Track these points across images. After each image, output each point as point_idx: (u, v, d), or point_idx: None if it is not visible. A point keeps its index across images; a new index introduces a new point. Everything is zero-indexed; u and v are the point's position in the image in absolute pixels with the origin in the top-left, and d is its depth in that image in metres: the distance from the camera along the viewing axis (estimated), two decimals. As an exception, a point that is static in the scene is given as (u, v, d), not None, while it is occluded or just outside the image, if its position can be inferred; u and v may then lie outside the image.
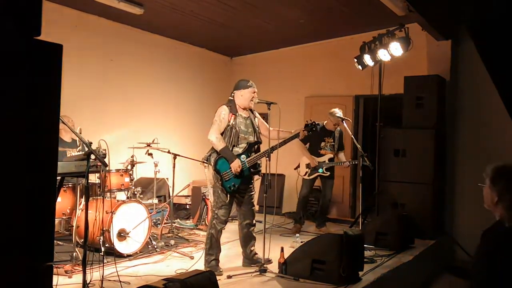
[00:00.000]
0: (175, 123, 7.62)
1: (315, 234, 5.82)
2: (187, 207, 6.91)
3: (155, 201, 5.51)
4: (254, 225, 4.44)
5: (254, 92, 4.27)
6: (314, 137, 5.48)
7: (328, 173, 6.03)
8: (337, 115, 5.93)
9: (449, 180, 6.42)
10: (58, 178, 3.50)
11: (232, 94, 4.32)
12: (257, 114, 4.48)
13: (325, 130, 5.96)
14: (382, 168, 6.03)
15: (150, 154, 5.37)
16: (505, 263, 1.99)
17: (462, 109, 6.46)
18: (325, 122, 6.02)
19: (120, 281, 3.57)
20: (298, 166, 6.19)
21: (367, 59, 5.80)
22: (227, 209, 4.24)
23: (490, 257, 2.04)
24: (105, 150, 3.60)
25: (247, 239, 4.41)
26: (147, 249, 4.77)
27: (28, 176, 1.52)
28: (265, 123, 4.53)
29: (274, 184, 6.89)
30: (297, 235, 5.34)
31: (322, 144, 6.06)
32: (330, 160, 6.06)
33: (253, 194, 4.42)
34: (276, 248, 4.28)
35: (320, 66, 7.79)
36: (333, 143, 6.11)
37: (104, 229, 4.29)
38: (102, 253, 3.94)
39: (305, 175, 6.09)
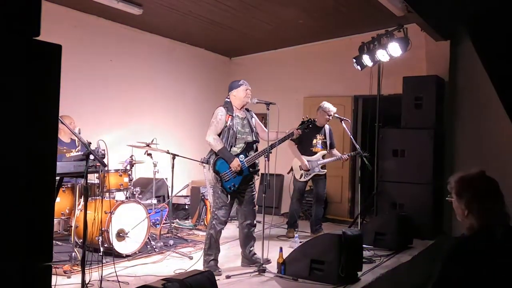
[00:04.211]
0: (174, 123, 7.62)
1: (313, 235, 5.81)
2: (186, 207, 6.91)
3: (154, 201, 5.51)
4: (255, 225, 4.45)
5: (247, 89, 4.29)
6: (305, 134, 4.97)
7: (325, 171, 5.80)
8: (330, 108, 5.69)
9: (448, 180, 6.41)
10: (57, 178, 3.51)
11: (228, 96, 4.36)
12: (253, 115, 4.49)
13: (315, 127, 5.48)
14: (380, 168, 6.04)
15: (149, 154, 5.37)
16: (456, 272, 1.92)
17: (460, 109, 6.47)
18: (316, 118, 5.63)
19: (119, 281, 3.58)
20: (292, 170, 5.83)
21: (366, 59, 5.80)
22: (227, 209, 4.25)
23: (443, 264, 1.96)
24: (104, 150, 3.61)
25: (247, 240, 4.41)
26: (146, 249, 4.77)
27: (27, 176, 1.52)
28: (262, 124, 4.55)
29: (273, 184, 6.92)
30: (296, 235, 5.33)
31: (314, 141, 5.75)
32: (324, 157, 5.77)
33: (254, 194, 4.43)
34: (275, 248, 4.29)
35: (319, 66, 7.80)
36: (324, 140, 5.82)
37: (103, 229, 4.29)
38: (101, 253, 3.93)
39: (301, 177, 5.75)
